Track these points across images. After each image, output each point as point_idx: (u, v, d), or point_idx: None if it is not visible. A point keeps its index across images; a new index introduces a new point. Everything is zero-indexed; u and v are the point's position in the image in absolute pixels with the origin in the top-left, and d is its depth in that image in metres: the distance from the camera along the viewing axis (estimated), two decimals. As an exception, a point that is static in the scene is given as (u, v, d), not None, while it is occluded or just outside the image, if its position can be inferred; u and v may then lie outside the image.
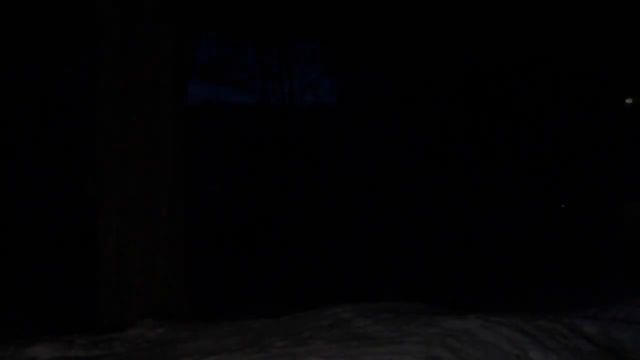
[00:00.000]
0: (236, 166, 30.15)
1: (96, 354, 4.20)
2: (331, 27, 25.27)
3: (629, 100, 21.91)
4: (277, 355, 2.80)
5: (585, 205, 21.05)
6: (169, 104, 5.39)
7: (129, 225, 5.21)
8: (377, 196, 25.95)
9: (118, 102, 5.30)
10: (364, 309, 3.68)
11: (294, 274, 14.85)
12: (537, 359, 2.85)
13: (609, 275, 8.97)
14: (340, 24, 23.43)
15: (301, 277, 14.26)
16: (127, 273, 5.18)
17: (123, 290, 5.17)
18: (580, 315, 3.72)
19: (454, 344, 2.78)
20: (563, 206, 21.16)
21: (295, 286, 12.46)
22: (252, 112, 29.76)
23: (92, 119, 5.56)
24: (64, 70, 23.65)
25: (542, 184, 20.62)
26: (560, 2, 18.93)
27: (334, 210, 26.41)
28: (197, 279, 6.44)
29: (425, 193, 22.08)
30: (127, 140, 5.27)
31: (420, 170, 22.39)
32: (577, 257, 11.95)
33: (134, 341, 4.53)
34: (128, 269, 5.18)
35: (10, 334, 6.17)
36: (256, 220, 25.10)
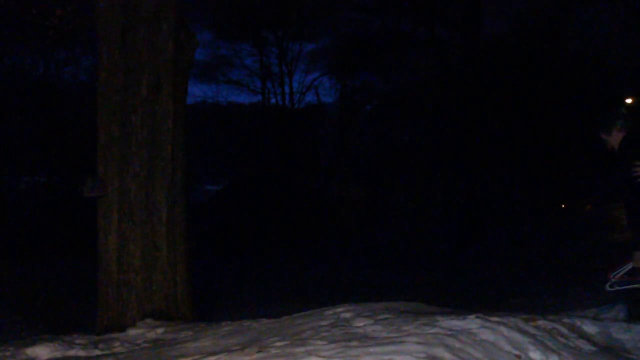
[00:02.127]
0: (236, 166, 30.17)
1: (96, 354, 4.20)
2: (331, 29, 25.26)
3: (629, 100, 21.90)
4: (277, 355, 2.80)
5: (584, 205, 21.04)
6: (169, 104, 5.39)
7: (129, 225, 5.21)
8: (377, 194, 25.93)
9: (118, 102, 5.30)
10: (364, 309, 3.67)
11: (294, 274, 14.85)
12: (537, 359, 2.85)
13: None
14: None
15: (301, 277, 14.26)
16: (127, 273, 5.18)
17: (123, 290, 5.17)
18: (580, 315, 3.72)
19: (454, 344, 2.77)
20: (563, 206, 21.16)
21: (295, 286, 12.47)
22: (252, 112, 29.79)
23: (92, 119, 5.56)
24: (64, 70, 23.65)
25: (542, 185, 20.62)
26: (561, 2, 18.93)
27: (333, 209, 26.40)
28: (198, 278, 6.44)
29: (424, 192, 22.08)
30: (127, 140, 5.27)
31: (420, 169, 22.40)
32: (577, 257, 11.94)
33: (134, 341, 4.53)
34: (128, 269, 5.18)
35: (10, 334, 6.18)
36: (256, 219, 25.09)
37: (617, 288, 4.06)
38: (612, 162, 4.23)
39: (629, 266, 4.05)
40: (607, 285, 4.12)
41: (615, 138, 4.19)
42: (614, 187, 4.28)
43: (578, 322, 3.43)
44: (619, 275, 4.06)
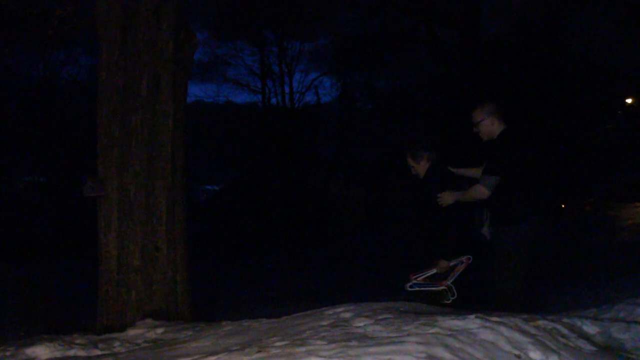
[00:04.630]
0: (236, 166, 30.16)
1: (96, 354, 4.20)
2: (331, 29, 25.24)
3: (629, 100, 21.91)
4: (276, 355, 2.80)
5: (584, 205, 21.04)
6: (169, 104, 5.39)
7: (129, 225, 5.21)
8: (377, 194, 25.95)
9: (118, 102, 5.30)
10: (364, 309, 3.67)
11: (294, 274, 14.85)
12: (537, 359, 2.85)
13: (608, 275, 8.97)
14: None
15: (301, 276, 14.26)
16: (127, 273, 5.18)
17: (123, 290, 5.17)
18: (580, 315, 3.71)
19: (454, 344, 2.77)
20: (563, 206, 21.16)
21: (295, 286, 12.47)
22: (251, 111, 29.78)
23: (92, 119, 5.57)
24: (63, 69, 23.66)
25: (542, 184, 20.59)
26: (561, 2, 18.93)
27: (333, 209, 26.39)
28: (197, 279, 6.44)
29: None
30: (127, 140, 5.28)
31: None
32: (577, 257, 11.95)
33: (134, 341, 4.53)
34: (128, 269, 5.18)
35: (10, 334, 6.17)
36: (256, 219, 25.09)
37: (417, 289, 4.59)
38: (418, 187, 4.94)
39: (433, 271, 4.61)
40: (408, 285, 4.64)
41: (422, 167, 4.85)
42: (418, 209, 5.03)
43: (578, 322, 3.43)
44: (421, 278, 4.61)
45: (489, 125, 4.57)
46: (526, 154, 4.50)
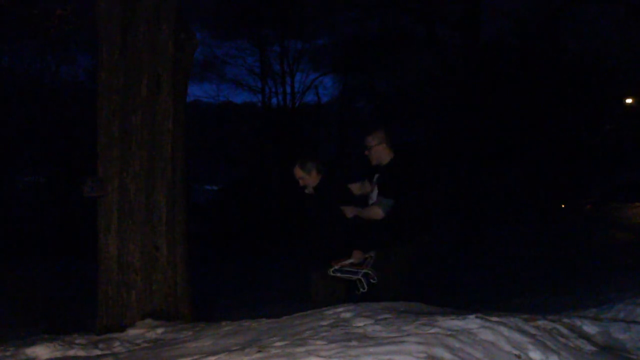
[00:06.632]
0: (235, 165, 30.14)
1: (96, 354, 4.19)
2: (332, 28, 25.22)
3: (629, 100, 21.91)
4: (276, 355, 2.80)
5: (584, 205, 21.04)
6: (169, 104, 5.39)
7: (129, 225, 5.21)
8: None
9: (118, 102, 5.30)
10: (364, 309, 3.68)
11: (294, 274, 14.85)
12: (537, 359, 2.85)
13: (608, 275, 8.97)
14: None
15: (301, 276, 14.26)
16: (127, 273, 5.18)
17: (123, 290, 5.17)
18: (580, 315, 3.71)
19: (454, 344, 2.77)
20: (563, 206, 21.17)
21: (295, 286, 12.47)
22: (251, 111, 29.76)
23: (92, 119, 5.57)
24: (63, 69, 23.66)
25: (542, 184, 20.61)
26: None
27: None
28: (197, 279, 6.45)
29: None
30: (127, 140, 5.27)
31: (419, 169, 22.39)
32: (578, 256, 11.95)
33: (134, 341, 4.53)
34: (128, 269, 5.18)
35: (10, 334, 6.18)
36: (256, 219, 25.08)
37: (339, 275, 4.88)
38: (311, 198, 5.21)
39: (350, 261, 4.89)
40: (330, 270, 4.89)
41: (313, 178, 5.14)
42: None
43: (578, 322, 3.43)
44: (340, 264, 4.89)
45: (380, 151, 5.00)
46: (413, 183, 4.94)
